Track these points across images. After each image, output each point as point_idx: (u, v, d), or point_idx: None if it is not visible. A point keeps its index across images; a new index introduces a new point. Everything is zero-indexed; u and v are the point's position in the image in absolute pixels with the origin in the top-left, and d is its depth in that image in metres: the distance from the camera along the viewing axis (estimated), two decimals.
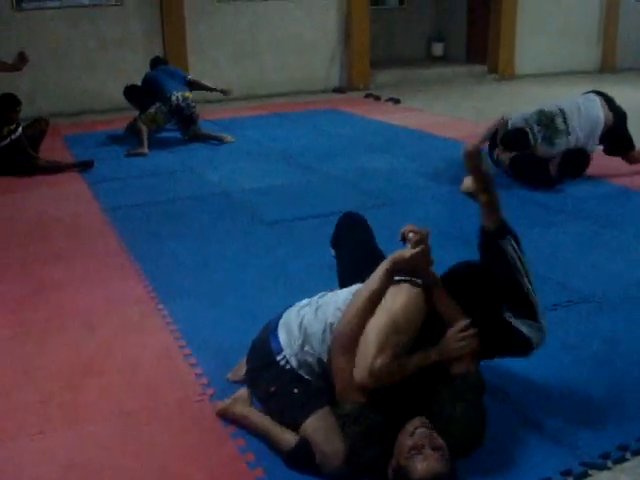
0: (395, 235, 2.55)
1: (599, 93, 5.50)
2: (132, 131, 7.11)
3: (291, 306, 2.53)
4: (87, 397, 2.67)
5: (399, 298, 2.17)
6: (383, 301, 2.19)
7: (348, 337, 2.14)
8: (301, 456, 2.16)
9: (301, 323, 2.35)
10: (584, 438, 2.33)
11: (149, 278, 3.77)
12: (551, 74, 11.98)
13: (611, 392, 2.61)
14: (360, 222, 2.99)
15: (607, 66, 12.50)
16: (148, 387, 2.74)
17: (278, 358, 2.34)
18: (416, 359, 2.12)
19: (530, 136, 5.23)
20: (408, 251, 2.26)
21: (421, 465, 1.88)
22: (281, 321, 2.44)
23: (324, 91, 10.68)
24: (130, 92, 7.33)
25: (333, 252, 2.97)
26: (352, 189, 5.41)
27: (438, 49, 12.98)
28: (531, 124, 5.28)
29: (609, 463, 2.22)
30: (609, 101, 5.39)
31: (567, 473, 2.16)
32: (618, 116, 5.33)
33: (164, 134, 7.23)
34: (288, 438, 2.21)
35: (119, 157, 6.62)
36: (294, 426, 2.22)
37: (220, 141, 7.10)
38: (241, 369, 2.71)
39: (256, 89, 10.16)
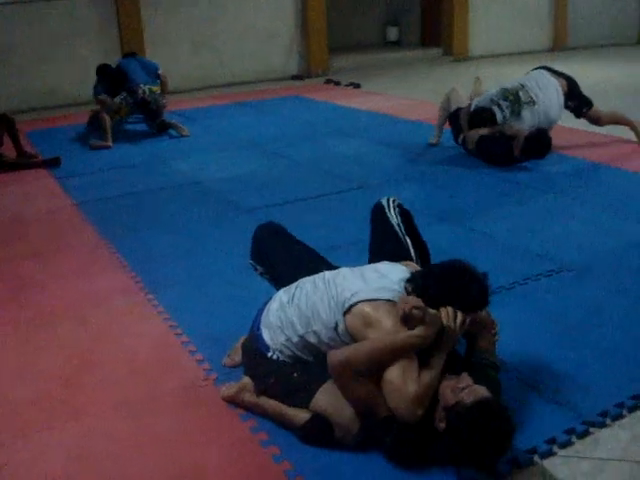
0: None
1: (543, 67, 5.83)
2: (94, 123, 7.01)
3: (269, 300, 2.55)
4: (89, 391, 2.66)
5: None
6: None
7: (358, 367, 2.12)
8: (315, 430, 2.21)
9: (288, 311, 2.37)
10: (582, 399, 2.43)
11: (134, 269, 3.76)
12: (505, 54, 12.19)
13: (601, 355, 2.72)
14: (280, 229, 2.93)
15: (558, 45, 12.77)
16: (150, 376, 2.75)
17: (269, 354, 2.39)
18: (435, 363, 2.14)
19: (498, 113, 5.36)
20: (424, 331, 2.14)
21: (472, 393, 2.03)
22: (262, 319, 2.47)
23: (283, 79, 10.66)
24: (102, 71, 7.10)
25: (259, 268, 2.88)
26: (325, 174, 5.45)
27: (393, 33, 13.06)
28: (498, 101, 5.43)
29: (608, 420, 2.33)
30: (555, 71, 5.74)
31: (570, 432, 2.26)
32: (569, 80, 5.69)
33: (128, 126, 7.16)
34: (301, 415, 2.25)
35: (85, 151, 6.53)
36: (304, 406, 2.26)
37: (178, 132, 6.98)
38: (236, 354, 2.75)
39: (215, 79, 10.09)
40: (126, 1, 9.22)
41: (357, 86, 9.68)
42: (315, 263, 2.67)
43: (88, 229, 4.45)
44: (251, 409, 2.44)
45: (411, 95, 8.86)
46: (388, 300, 2.22)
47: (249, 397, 2.44)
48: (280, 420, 2.34)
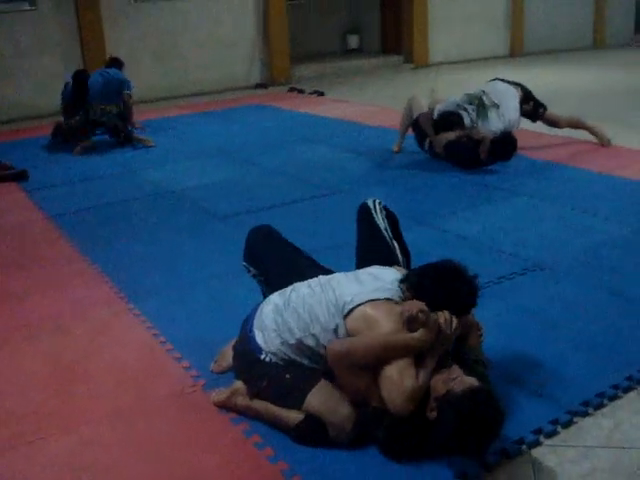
0: (350, 219, 2.79)
1: (497, 78, 6.11)
2: (59, 135, 6.97)
3: (261, 302, 2.59)
4: (78, 401, 2.66)
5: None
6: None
7: (358, 358, 2.18)
8: (309, 430, 2.26)
9: (286, 314, 2.40)
10: (564, 390, 2.52)
11: (112, 280, 3.75)
12: (464, 61, 12.41)
13: (579, 348, 2.82)
14: (272, 232, 2.94)
15: (516, 51, 13.06)
16: (138, 384, 2.75)
17: (262, 356, 2.41)
18: (428, 363, 2.20)
19: (466, 116, 5.50)
20: (425, 335, 2.20)
21: (463, 383, 2.11)
22: (255, 322, 2.50)
23: (246, 87, 10.70)
24: (77, 78, 7.00)
25: (252, 269, 2.84)
26: (295, 180, 5.51)
27: (353, 41, 13.19)
28: (463, 105, 5.58)
29: (590, 410, 2.42)
30: (508, 81, 6.00)
31: (555, 422, 2.34)
32: (522, 87, 5.95)
33: (95, 137, 7.11)
34: (294, 416, 2.29)
35: (51, 163, 6.48)
36: (297, 407, 2.30)
37: (144, 144, 6.95)
38: (223, 359, 2.77)
39: (180, 89, 10.08)
40: (87, 13, 9.17)
41: (321, 94, 9.76)
42: (307, 266, 2.71)
43: (62, 241, 4.42)
44: (244, 412, 2.46)
45: (374, 102, 8.98)
46: (387, 299, 2.28)
47: (241, 400, 2.46)
48: (273, 422, 2.37)
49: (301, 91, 10.11)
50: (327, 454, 2.24)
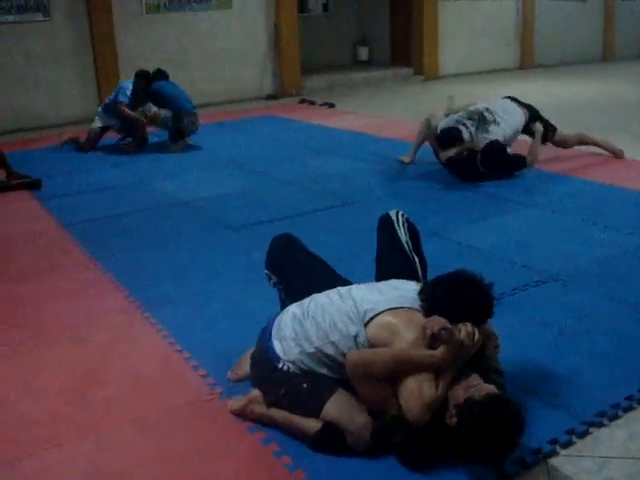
0: (364, 230, 2.68)
1: (509, 97, 6.07)
2: (74, 144, 7.13)
3: (280, 313, 2.60)
4: (95, 408, 2.68)
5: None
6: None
7: (376, 369, 2.20)
8: (327, 438, 2.27)
9: (305, 324, 2.41)
10: (579, 401, 2.53)
11: (127, 289, 3.78)
12: (474, 73, 12.47)
13: (593, 359, 2.83)
14: (295, 241, 2.97)
15: (526, 63, 13.11)
16: (155, 392, 2.77)
17: (280, 365, 2.42)
18: (448, 375, 2.22)
19: (464, 131, 5.51)
20: (446, 353, 2.21)
21: (482, 390, 2.16)
22: (273, 332, 2.51)
23: (257, 98, 10.77)
24: (142, 78, 7.22)
25: (273, 277, 2.87)
26: (309, 191, 5.54)
27: (363, 53, 13.29)
28: (463, 121, 5.60)
29: (605, 420, 2.43)
30: (517, 101, 5.96)
31: (571, 432, 2.35)
32: (530, 108, 5.91)
33: (106, 149, 7.18)
34: (313, 425, 2.31)
35: (64, 173, 6.53)
36: (315, 416, 2.31)
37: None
38: (240, 368, 2.79)
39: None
40: (100, 24, 9.27)
41: (331, 105, 9.82)
42: (327, 277, 2.73)
43: (76, 250, 4.46)
44: (261, 421, 2.48)
45: (384, 114, 9.03)
46: (409, 308, 2.30)
47: (259, 409, 2.48)
48: (291, 430, 2.39)
49: (312, 102, 10.18)
50: (345, 462, 2.25)
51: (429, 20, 12.02)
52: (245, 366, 2.74)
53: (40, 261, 4.31)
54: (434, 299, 2.31)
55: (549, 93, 9.82)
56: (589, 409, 2.47)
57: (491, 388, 2.17)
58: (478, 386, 2.17)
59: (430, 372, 2.19)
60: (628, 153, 6.13)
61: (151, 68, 9.72)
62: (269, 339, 2.50)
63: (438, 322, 2.22)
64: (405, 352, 2.21)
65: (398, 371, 2.19)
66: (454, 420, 2.14)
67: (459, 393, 2.17)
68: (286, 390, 2.39)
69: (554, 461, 2.24)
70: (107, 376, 2.91)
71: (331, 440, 2.26)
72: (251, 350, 2.69)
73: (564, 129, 6.12)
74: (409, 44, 12.42)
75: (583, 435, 2.36)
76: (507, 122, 5.68)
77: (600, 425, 2.41)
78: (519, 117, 5.78)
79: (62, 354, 3.12)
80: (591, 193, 5.18)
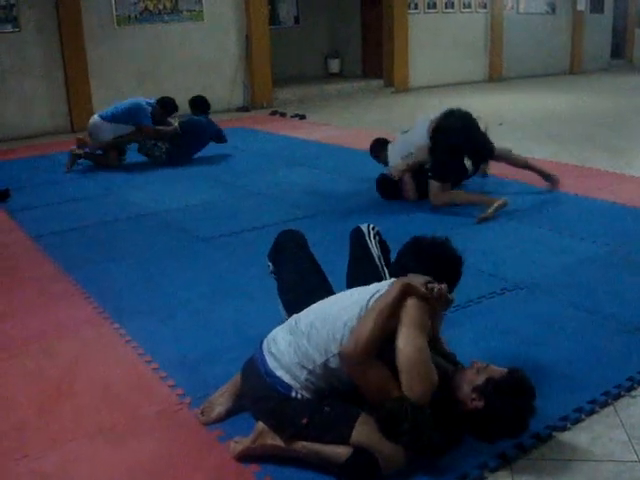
0: (337, 239, 2.72)
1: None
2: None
3: (262, 346, 2.48)
4: (63, 419, 2.67)
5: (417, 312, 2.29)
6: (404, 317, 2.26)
7: (371, 342, 2.19)
8: (360, 465, 2.17)
9: (303, 350, 2.34)
10: (543, 406, 2.54)
11: (96, 300, 3.77)
12: (443, 85, 12.63)
13: (557, 365, 2.89)
14: (299, 239, 3.00)
15: (494, 75, 13.31)
16: (124, 403, 2.77)
17: (292, 394, 2.30)
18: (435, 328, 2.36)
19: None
20: (420, 286, 2.27)
21: (496, 370, 2.28)
22: (270, 365, 2.36)
23: (228, 110, 10.79)
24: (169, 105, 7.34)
25: (271, 267, 2.94)
26: (280, 202, 5.57)
27: (334, 65, 13.40)
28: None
29: (568, 424, 2.48)
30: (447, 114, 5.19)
31: (535, 437, 2.39)
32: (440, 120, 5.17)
33: (79, 160, 7.14)
34: (341, 451, 2.20)
35: (32, 185, 6.50)
36: (344, 441, 2.21)
37: None
38: (211, 410, 2.60)
39: None
40: (70, 36, 9.26)
41: (302, 117, 9.89)
42: (317, 283, 2.72)
43: (45, 262, 4.43)
44: (273, 453, 2.32)
45: (355, 125, 9.10)
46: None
47: (272, 441, 2.31)
48: (317, 460, 2.25)
49: (283, 114, 10.23)
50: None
51: (399, 33, 12.17)
52: (217, 406, 2.59)
53: (7, 273, 4.28)
54: (404, 268, 2.35)
55: (517, 104, 9.99)
56: (553, 413, 2.52)
57: (498, 368, 2.28)
58: (489, 367, 2.27)
59: (418, 326, 2.21)
60: (593, 163, 6.25)
61: (121, 79, 9.78)
62: (268, 375, 2.35)
63: (419, 279, 2.28)
64: (378, 303, 2.24)
65: (386, 321, 2.20)
66: (479, 403, 2.21)
67: (472, 376, 2.25)
68: (309, 418, 2.25)
69: (518, 465, 2.28)
70: (76, 387, 2.90)
71: (364, 467, 2.17)
72: (224, 389, 2.62)
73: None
74: (380, 56, 12.56)
75: (547, 439, 2.40)
76: (411, 134, 5.37)
77: (564, 429, 2.46)
78: (423, 127, 5.18)
79: (30, 365, 3.10)
80: (557, 203, 5.28)
